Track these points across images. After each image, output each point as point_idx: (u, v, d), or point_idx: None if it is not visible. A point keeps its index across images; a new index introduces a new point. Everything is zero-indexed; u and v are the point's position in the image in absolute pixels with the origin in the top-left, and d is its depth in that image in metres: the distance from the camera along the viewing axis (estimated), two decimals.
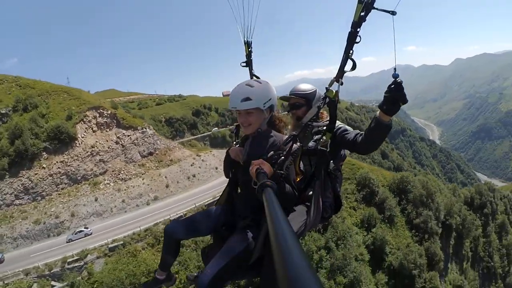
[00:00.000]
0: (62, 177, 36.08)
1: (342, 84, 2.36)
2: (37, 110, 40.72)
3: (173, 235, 2.55)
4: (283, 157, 2.22)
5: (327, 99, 2.48)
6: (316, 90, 3.15)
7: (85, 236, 31.34)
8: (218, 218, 2.62)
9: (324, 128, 2.65)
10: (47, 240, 32.31)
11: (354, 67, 2.25)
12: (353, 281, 28.63)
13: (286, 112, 3.29)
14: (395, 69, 2.16)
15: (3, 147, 35.50)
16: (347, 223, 32.34)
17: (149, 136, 45.00)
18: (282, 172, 2.17)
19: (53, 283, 27.01)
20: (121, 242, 29.40)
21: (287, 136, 2.43)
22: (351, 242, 30.25)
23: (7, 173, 34.71)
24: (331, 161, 2.79)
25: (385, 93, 2.20)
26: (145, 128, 45.45)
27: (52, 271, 27.56)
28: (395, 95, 2.15)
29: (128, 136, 43.25)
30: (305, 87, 3.18)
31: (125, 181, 38.55)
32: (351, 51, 2.21)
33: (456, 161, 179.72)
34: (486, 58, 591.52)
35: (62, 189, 35.76)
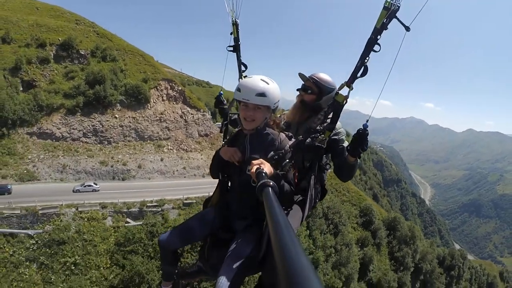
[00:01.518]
0: (131, 131, 42.99)
1: (352, 89, 2.45)
2: (116, 63, 46.62)
3: (169, 246, 2.59)
4: (283, 157, 2.33)
5: (335, 103, 2.61)
6: (335, 89, 2.93)
7: (92, 191, 34.21)
8: (212, 222, 2.63)
9: (323, 126, 2.75)
10: (111, 182, 37.77)
11: (365, 73, 2.36)
12: (351, 275, 37.43)
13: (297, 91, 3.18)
14: (367, 120, 2.41)
15: (80, 86, 41.23)
16: (351, 236, 41.28)
17: (207, 120, 51.71)
18: (282, 171, 2.27)
19: (128, 219, 32.17)
20: (194, 201, 34.82)
21: (285, 136, 2.53)
22: (353, 249, 39.25)
23: (79, 111, 40.70)
24: (324, 155, 2.93)
25: (352, 136, 2.48)
26: (205, 112, 52.41)
27: (130, 210, 32.71)
28: (358, 142, 2.47)
29: (191, 114, 49.69)
30: (327, 78, 3.04)
31: (186, 152, 45.39)
32: (367, 58, 2.30)
33: (439, 226, 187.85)
34: (498, 137, 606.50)
35: (129, 141, 42.61)
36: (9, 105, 34.85)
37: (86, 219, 29.38)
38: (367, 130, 2.42)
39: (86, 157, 38.76)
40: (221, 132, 3.01)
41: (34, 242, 26.95)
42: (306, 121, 3.01)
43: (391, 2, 2.11)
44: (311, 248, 35.72)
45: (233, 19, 3.03)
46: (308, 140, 2.76)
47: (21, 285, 24.94)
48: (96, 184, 35.29)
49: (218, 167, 2.70)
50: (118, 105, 44.05)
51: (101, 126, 41.66)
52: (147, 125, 44.84)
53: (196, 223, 2.65)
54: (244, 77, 3.09)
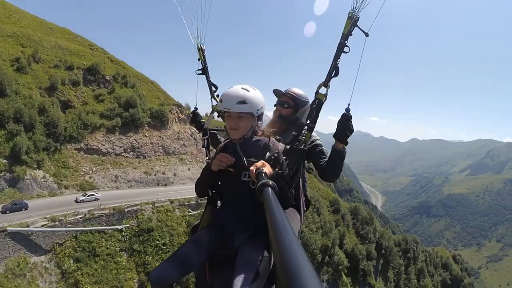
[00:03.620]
0: (159, 147, 52.17)
1: (329, 87, 2.64)
2: (137, 89, 54.74)
3: (167, 281, 2.15)
4: (279, 157, 2.38)
5: (317, 101, 2.73)
6: (308, 102, 3.34)
7: (94, 200, 37.46)
8: (209, 243, 2.42)
9: (306, 128, 2.80)
10: (157, 187, 46.56)
11: (337, 73, 2.58)
12: (334, 240, 51.18)
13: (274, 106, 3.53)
14: (348, 104, 2.62)
15: (115, 109, 48.79)
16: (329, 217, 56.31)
17: None
18: (282, 171, 2.32)
19: (189, 210, 41.94)
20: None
21: (275, 140, 2.67)
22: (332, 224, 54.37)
23: (118, 130, 48.47)
24: (306, 161, 3.12)
25: (337, 122, 2.66)
26: None
27: (189, 203, 42.12)
28: (342, 125, 2.63)
29: (199, 133, 60.99)
30: (301, 92, 3.45)
31: (202, 163, 54.05)
32: (338, 60, 2.54)
33: (393, 228, 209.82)
34: (440, 144, 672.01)
35: (159, 155, 51.71)
36: (61, 123, 41.32)
37: (163, 211, 38.84)
38: (350, 114, 2.61)
39: (131, 168, 46.94)
40: (203, 147, 3.04)
41: (124, 234, 34.97)
42: (284, 134, 3.13)
43: (353, 12, 2.46)
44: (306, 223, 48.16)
45: (198, 45, 3.24)
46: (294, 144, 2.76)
47: (119, 271, 32.53)
48: (97, 194, 39.06)
49: (208, 182, 2.70)
50: (146, 125, 52.59)
51: (136, 143, 50.03)
52: (170, 142, 54.42)
53: (191, 248, 2.33)
54: (217, 96, 3.38)
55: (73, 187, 40.40)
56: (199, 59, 3.34)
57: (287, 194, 2.38)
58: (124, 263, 33.18)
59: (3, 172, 34.36)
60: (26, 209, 32.28)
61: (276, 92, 3.52)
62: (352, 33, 2.51)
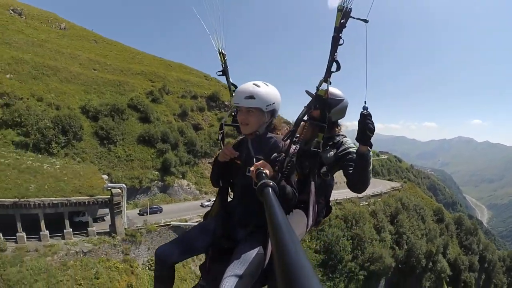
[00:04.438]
0: None
1: (330, 83, 2.60)
2: None
3: (168, 259, 2.48)
4: (283, 155, 2.36)
5: (318, 98, 2.71)
6: (344, 100, 3.24)
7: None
8: (214, 231, 2.62)
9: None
10: None
11: (338, 68, 2.51)
12: (438, 247, 52.39)
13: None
14: (365, 102, 2.58)
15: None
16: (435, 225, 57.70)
17: None
18: (283, 171, 2.33)
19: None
20: None
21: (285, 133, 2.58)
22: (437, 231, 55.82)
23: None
24: (325, 166, 3.05)
25: (357, 123, 2.61)
26: None
27: None
28: (361, 125, 2.56)
29: None
30: (334, 91, 3.18)
31: None
32: (335, 54, 2.48)
33: (499, 246, 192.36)
34: None
35: None
36: (198, 142, 52.00)
37: None
38: (368, 111, 2.57)
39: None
40: (217, 140, 2.99)
41: None
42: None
43: (343, 5, 2.38)
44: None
45: (219, 49, 3.26)
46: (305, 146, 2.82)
47: None
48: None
49: (218, 173, 2.77)
50: None
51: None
52: None
53: (197, 233, 2.61)
54: None
55: (211, 193, 49.26)
56: (223, 59, 3.37)
57: (289, 195, 2.38)
58: None
59: (156, 181, 45.07)
60: (160, 212, 39.79)
61: (308, 93, 3.23)
62: (346, 24, 2.43)
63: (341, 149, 3.08)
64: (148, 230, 35.22)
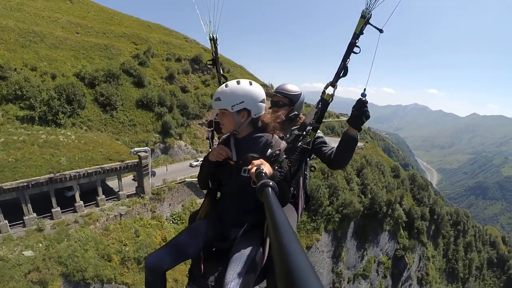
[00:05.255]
0: None
1: (336, 88, 2.66)
2: (231, 73, 66.81)
3: (158, 267, 2.41)
4: (282, 156, 2.43)
5: (323, 101, 2.80)
6: (301, 93, 3.49)
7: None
8: (205, 234, 2.61)
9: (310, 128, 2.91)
10: None
11: (345, 73, 2.58)
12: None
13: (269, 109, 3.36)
14: (365, 89, 2.56)
15: None
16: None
17: None
18: (281, 171, 2.39)
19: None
20: None
21: (278, 137, 2.66)
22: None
23: None
24: (308, 158, 3.19)
25: (352, 108, 2.67)
26: None
27: None
28: (358, 111, 2.63)
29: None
30: (292, 88, 3.50)
31: None
32: (348, 60, 2.54)
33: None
34: (502, 121, 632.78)
35: None
36: (190, 104, 54.61)
37: None
38: (366, 99, 2.61)
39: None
40: (207, 139, 3.05)
41: None
42: (285, 132, 3.16)
43: (367, 11, 2.43)
44: None
45: (210, 35, 3.26)
46: (298, 143, 2.88)
47: None
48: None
49: (208, 174, 2.74)
50: None
51: None
52: None
53: (188, 237, 2.55)
54: None
55: (205, 152, 53.76)
56: (214, 47, 3.36)
57: (286, 193, 2.43)
58: None
59: (158, 143, 48.69)
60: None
61: (268, 95, 3.46)
62: (364, 31, 2.49)
63: (317, 141, 3.25)
64: (169, 188, 38.45)
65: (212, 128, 3.00)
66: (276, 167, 2.35)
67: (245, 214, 2.55)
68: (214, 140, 3.02)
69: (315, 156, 3.31)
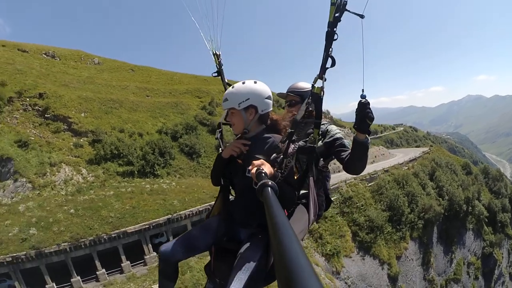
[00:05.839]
0: None
1: (325, 80, 2.54)
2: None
3: (172, 258, 2.59)
4: (282, 156, 2.42)
5: (314, 96, 2.64)
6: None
7: None
8: (217, 230, 2.71)
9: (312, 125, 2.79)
10: None
11: (333, 64, 2.46)
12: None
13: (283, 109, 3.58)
14: (363, 90, 2.54)
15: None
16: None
17: None
18: (282, 171, 2.38)
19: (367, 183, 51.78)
20: None
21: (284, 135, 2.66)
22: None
23: None
24: (321, 158, 3.23)
25: (355, 111, 2.61)
26: None
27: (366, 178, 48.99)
28: (361, 114, 2.56)
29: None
30: (303, 85, 3.53)
31: None
32: (330, 49, 2.44)
33: None
34: None
35: None
36: None
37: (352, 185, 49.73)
38: (367, 99, 2.56)
39: None
40: (216, 139, 3.19)
41: (335, 203, 44.70)
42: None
43: None
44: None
45: (213, 51, 3.41)
46: (301, 142, 2.83)
47: (340, 227, 43.72)
48: None
49: (219, 171, 2.86)
50: None
51: None
52: None
53: (200, 231, 2.69)
54: None
55: None
56: (218, 61, 3.51)
57: (287, 194, 2.40)
58: (341, 221, 45.44)
59: None
60: None
61: (280, 95, 3.67)
62: (340, 19, 2.37)
63: (328, 136, 3.28)
64: None
65: (220, 129, 3.20)
66: (276, 168, 2.35)
67: (252, 214, 2.59)
68: (224, 141, 3.14)
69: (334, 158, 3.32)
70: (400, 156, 71.45)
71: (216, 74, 3.56)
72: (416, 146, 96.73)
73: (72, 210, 32.64)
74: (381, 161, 67.80)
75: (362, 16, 2.34)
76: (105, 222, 32.50)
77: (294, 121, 2.63)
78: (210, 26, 3.13)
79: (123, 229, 31.86)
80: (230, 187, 2.95)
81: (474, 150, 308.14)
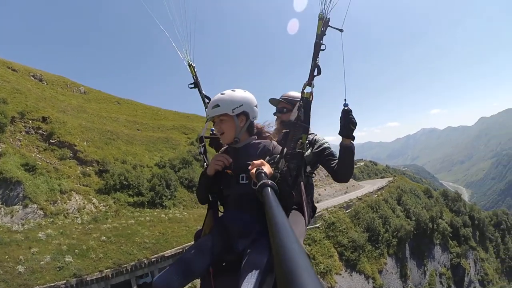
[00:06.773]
0: None
1: (313, 86, 2.68)
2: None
3: None
4: (278, 156, 2.47)
5: (304, 100, 2.73)
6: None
7: None
8: (212, 250, 2.51)
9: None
10: None
11: (319, 72, 2.64)
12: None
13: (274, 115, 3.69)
14: (345, 99, 2.77)
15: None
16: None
17: None
18: (279, 171, 2.40)
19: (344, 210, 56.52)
20: None
21: (277, 144, 2.76)
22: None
23: None
24: (307, 165, 3.30)
25: (339, 119, 2.82)
26: None
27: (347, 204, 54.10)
28: (344, 120, 2.80)
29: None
30: (296, 94, 3.54)
31: None
32: (317, 58, 2.62)
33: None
34: (510, 113, 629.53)
35: None
36: None
37: (334, 212, 55.69)
38: (349, 107, 2.78)
39: None
40: (199, 154, 3.05)
41: (321, 229, 49.01)
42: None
43: (323, 14, 2.58)
44: None
45: (188, 62, 3.36)
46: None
47: (328, 249, 47.45)
48: None
49: (206, 188, 2.78)
50: None
51: None
52: None
53: (194, 254, 2.44)
54: None
55: None
56: (193, 71, 3.41)
57: (286, 195, 2.42)
58: (328, 243, 48.88)
59: None
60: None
61: (272, 101, 3.71)
62: (326, 32, 2.60)
63: (316, 146, 3.36)
64: None
65: (203, 143, 3.03)
66: (273, 168, 2.35)
67: (252, 222, 2.54)
68: (207, 155, 3.02)
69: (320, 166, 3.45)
70: (369, 186, 78.70)
71: (192, 85, 3.41)
72: (381, 177, 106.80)
73: (103, 237, 33.66)
74: (353, 191, 74.37)
75: (341, 31, 2.66)
76: (143, 247, 33.62)
77: (289, 122, 2.82)
78: (184, 36, 3.19)
79: (161, 253, 33.28)
80: (219, 202, 2.89)
81: (432, 179, 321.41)
